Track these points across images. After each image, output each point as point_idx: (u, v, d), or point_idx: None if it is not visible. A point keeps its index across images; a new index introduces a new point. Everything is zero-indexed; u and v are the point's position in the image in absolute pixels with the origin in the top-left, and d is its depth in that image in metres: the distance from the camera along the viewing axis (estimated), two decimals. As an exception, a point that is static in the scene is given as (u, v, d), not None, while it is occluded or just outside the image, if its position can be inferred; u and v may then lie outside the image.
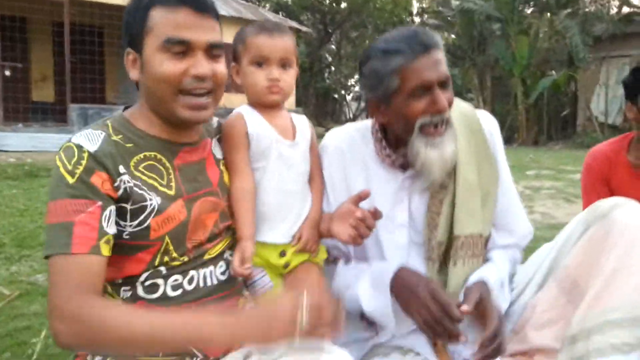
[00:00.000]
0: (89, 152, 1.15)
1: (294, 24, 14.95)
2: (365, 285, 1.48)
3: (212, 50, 1.23)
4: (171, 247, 1.23)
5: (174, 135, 1.29)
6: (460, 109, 1.58)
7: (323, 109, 23.38)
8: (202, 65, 1.22)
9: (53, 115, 11.54)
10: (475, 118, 1.60)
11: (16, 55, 10.86)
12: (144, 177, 1.21)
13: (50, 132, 10.21)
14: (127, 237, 1.19)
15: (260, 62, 1.43)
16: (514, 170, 1.73)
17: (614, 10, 16.85)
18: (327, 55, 25.40)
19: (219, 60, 1.26)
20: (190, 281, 1.28)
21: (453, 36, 20.10)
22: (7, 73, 10.47)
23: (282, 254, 1.45)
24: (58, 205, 1.12)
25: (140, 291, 1.23)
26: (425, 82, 1.38)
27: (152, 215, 1.20)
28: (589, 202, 2.08)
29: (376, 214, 1.37)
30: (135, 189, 1.19)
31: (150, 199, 1.20)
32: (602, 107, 15.50)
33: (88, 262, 1.10)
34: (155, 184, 1.23)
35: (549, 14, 16.85)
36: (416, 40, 1.40)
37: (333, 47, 25.68)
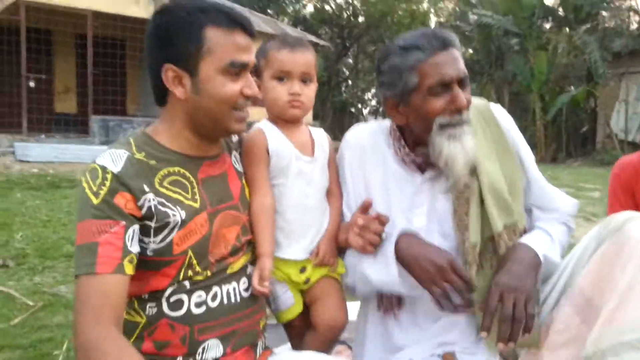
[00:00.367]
0: (112, 173, 1.18)
1: (312, 38, 15.04)
2: (370, 260, 1.46)
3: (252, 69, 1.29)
4: (194, 261, 1.25)
5: (196, 150, 1.31)
6: (475, 106, 1.56)
7: (340, 123, 23.36)
8: (253, 85, 1.28)
9: (75, 126, 11.71)
10: (490, 111, 1.59)
11: (41, 67, 11.07)
12: (168, 193, 1.24)
13: (72, 143, 10.37)
14: (151, 253, 1.21)
15: (282, 76, 1.45)
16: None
17: (634, 26, 16.69)
18: (344, 69, 25.48)
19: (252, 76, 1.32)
20: (213, 298, 1.29)
21: (471, 51, 20.05)
22: (32, 84, 10.65)
23: (302, 270, 1.47)
24: (84, 226, 1.16)
25: (165, 308, 1.25)
26: (445, 79, 1.38)
27: (176, 230, 1.22)
28: (612, 211, 2.06)
29: (381, 220, 1.38)
30: (159, 206, 1.21)
31: (174, 214, 1.22)
32: (622, 124, 15.29)
33: (112, 282, 1.13)
34: (181, 197, 1.25)
35: (567, 29, 16.71)
36: (435, 37, 1.40)
37: (350, 61, 25.77)
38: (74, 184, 7.12)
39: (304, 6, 24.62)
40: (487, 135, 1.54)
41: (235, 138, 1.48)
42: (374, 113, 26.68)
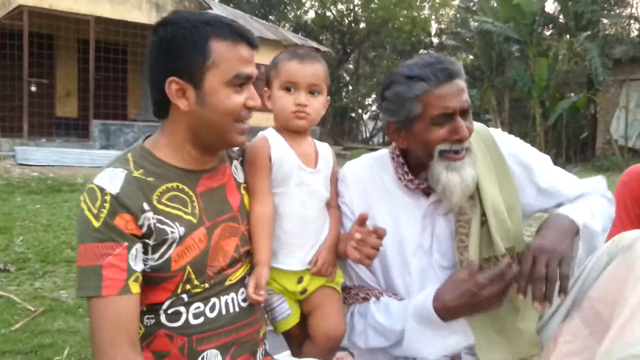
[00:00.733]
0: (111, 194, 1.17)
1: (313, 44, 15.10)
2: (413, 326, 1.49)
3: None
4: (193, 276, 1.26)
5: (196, 163, 1.31)
6: (476, 130, 1.59)
7: (340, 128, 23.43)
8: (256, 97, 1.29)
9: (76, 130, 11.74)
10: (489, 135, 1.62)
11: (43, 72, 11.10)
12: (167, 209, 1.23)
13: (73, 147, 10.40)
14: (149, 269, 1.22)
15: (289, 87, 1.45)
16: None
17: (634, 33, 16.75)
18: (344, 75, 25.54)
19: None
20: (212, 309, 1.29)
21: (471, 57, 20.10)
22: (33, 89, 10.68)
23: (300, 280, 1.47)
24: (86, 248, 1.16)
25: (163, 319, 1.25)
26: (448, 110, 1.41)
27: (174, 246, 1.23)
28: (618, 221, 2.06)
29: (378, 232, 1.39)
30: (158, 224, 1.21)
31: (173, 231, 1.22)
32: (622, 130, 15.31)
33: (120, 304, 1.15)
34: (180, 213, 1.25)
35: (568, 36, 16.76)
36: (440, 68, 1.42)
37: (351, 66, 25.84)
38: (75, 187, 7.13)
39: (306, 12, 24.75)
40: (487, 159, 1.57)
41: (236, 147, 1.48)
42: (374, 118, 26.73)
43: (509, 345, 1.50)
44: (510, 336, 1.50)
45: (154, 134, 1.34)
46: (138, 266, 1.19)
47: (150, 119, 11.92)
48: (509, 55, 17.41)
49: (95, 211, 1.16)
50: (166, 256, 1.22)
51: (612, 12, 16.69)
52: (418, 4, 23.59)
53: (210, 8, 12.55)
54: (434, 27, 25.62)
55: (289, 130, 1.48)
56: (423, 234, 1.56)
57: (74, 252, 3.95)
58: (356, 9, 23.52)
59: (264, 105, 1.45)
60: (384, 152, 1.66)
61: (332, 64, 22.24)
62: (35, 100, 10.74)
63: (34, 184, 7.14)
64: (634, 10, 16.88)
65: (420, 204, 1.57)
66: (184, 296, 1.26)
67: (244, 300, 1.36)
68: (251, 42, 1.27)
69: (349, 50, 24.04)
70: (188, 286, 1.26)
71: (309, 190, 1.48)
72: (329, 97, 1.53)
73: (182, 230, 1.23)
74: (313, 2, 24.43)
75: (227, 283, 1.32)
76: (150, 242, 1.20)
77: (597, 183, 1.65)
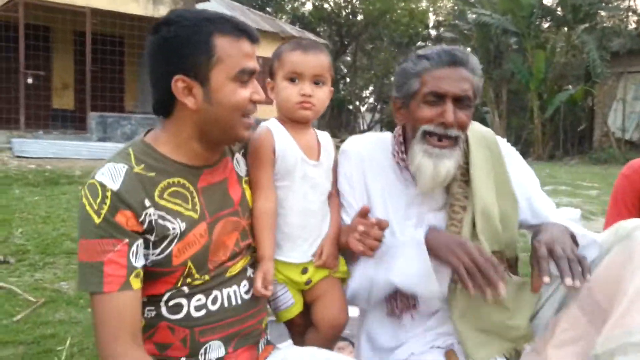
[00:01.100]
0: (112, 190, 1.17)
1: (311, 36, 15.04)
2: (399, 259, 1.48)
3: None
4: (194, 270, 1.26)
5: (199, 159, 1.31)
6: (481, 132, 1.63)
7: (338, 120, 23.41)
8: (260, 91, 1.29)
9: (73, 122, 11.70)
10: (495, 141, 1.63)
11: (39, 64, 11.04)
12: (169, 205, 1.23)
13: (70, 139, 10.37)
14: (150, 264, 1.22)
15: (294, 77, 1.45)
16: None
17: (632, 26, 16.74)
18: (342, 67, 25.48)
19: None
20: (214, 301, 1.30)
21: (469, 50, 20.05)
22: (30, 81, 10.63)
23: (304, 271, 1.47)
24: (87, 244, 1.17)
25: (164, 311, 1.26)
26: (440, 90, 1.43)
27: (175, 242, 1.23)
28: (614, 211, 2.07)
29: (381, 225, 1.39)
30: (160, 220, 1.21)
31: (174, 227, 1.23)
32: (619, 122, 15.35)
33: (121, 300, 1.17)
34: (181, 209, 1.25)
35: (566, 29, 16.77)
36: (447, 52, 1.46)
37: (348, 58, 25.78)
38: (73, 180, 7.11)
39: (303, 4, 24.63)
40: (488, 164, 1.58)
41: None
42: (372, 110, 26.71)
43: (497, 340, 1.51)
44: (499, 333, 1.51)
45: (154, 129, 1.34)
46: (139, 262, 1.19)
47: (147, 111, 11.89)
48: (507, 47, 17.41)
49: (96, 207, 1.16)
50: (167, 251, 1.22)
51: (610, 5, 16.68)
52: (416, -4, 23.55)
53: (208, 0, 12.49)
54: (431, 19, 25.58)
55: (293, 121, 1.48)
56: (406, 223, 1.56)
57: (74, 244, 3.98)
58: (354, 1, 23.44)
59: (267, 98, 1.45)
60: (388, 134, 1.68)
61: (330, 56, 22.18)
62: (32, 93, 10.69)
63: (32, 176, 7.12)
64: (631, 3, 16.89)
65: (408, 191, 1.57)
66: (185, 288, 1.27)
67: (247, 292, 1.36)
68: (252, 36, 1.27)
69: (346, 43, 23.98)
70: (189, 279, 1.26)
71: (312, 184, 1.48)
72: (332, 88, 1.53)
73: (183, 225, 1.24)
74: (310, -6, 24.34)
75: (228, 275, 1.33)
76: (152, 237, 1.21)
77: (574, 214, 1.68)
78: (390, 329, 1.60)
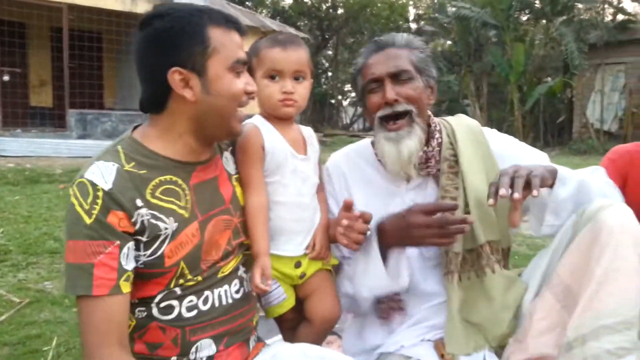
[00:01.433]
0: (103, 190, 1.14)
1: (291, 30, 14.97)
2: (362, 266, 1.51)
3: None
4: (186, 271, 1.25)
5: (191, 155, 1.29)
6: (467, 124, 1.65)
7: (320, 115, 23.37)
8: (252, 82, 1.30)
9: (51, 120, 11.51)
10: (481, 132, 1.65)
11: (15, 61, 10.84)
12: (161, 203, 1.22)
13: (49, 137, 10.21)
14: (142, 265, 1.20)
15: (274, 75, 1.44)
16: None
17: (608, 18, 16.98)
18: (323, 61, 25.43)
19: None
20: (205, 301, 1.29)
21: (449, 43, 20.17)
22: (6, 78, 10.44)
23: (298, 264, 1.48)
24: (77, 245, 1.14)
25: (155, 312, 1.24)
26: (373, 76, 1.51)
27: (167, 242, 1.21)
28: None
29: (364, 217, 1.40)
30: (152, 220, 1.19)
31: (166, 227, 1.21)
32: (598, 114, 15.58)
33: (110, 305, 1.14)
34: (173, 207, 1.23)
35: (544, 21, 16.94)
36: (373, 42, 1.57)
37: (330, 53, 25.74)
38: (53, 178, 7.01)
39: (283, -2, 24.47)
40: (477, 153, 1.59)
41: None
42: (354, 104, 26.71)
43: (480, 335, 1.52)
44: (486, 328, 1.52)
45: (142, 125, 1.31)
46: (129, 265, 1.17)
47: (127, 107, 11.74)
48: (487, 40, 17.53)
49: (87, 207, 1.14)
50: (159, 252, 1.20)
51: (587, -3, 16.89)
52: (396, -11, 23.56)
53: (187, -6, 12.35)
54: (411, 12, 25.64)
55: (277, 118, 1.48)
56: None
57: (57, 243, 3.93)
58: (334, -6, 23.37)
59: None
60: (366, 141, 1.71)
61: (311, 50, 21.97)
62: (9, 90, 10.50)
63: (11, 175, 7.00)
64: (608, -5, 17.09)
65: (400, 189, 1.60)
66: (177, 290, 1.25)
67: (237, 291, 1.36)
68: (241, 29, 1.28)
69: (327, 37, 23.91)
70: (181, 280, 1.25)
71: (302, 177, 1.48)
72: (312, 80, 1.53)
73: (175, 225, 1.22)
74: (290, -12, 24.20)
75: (220, 275, 1.32)
76: (143, 238, 1.19)
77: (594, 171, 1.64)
78: (379, 328, 1.62)
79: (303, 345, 1.36)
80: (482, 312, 1.52)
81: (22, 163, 8.04)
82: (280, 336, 1.63)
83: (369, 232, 1.43)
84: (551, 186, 1.42)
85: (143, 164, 1.22)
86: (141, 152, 1.24)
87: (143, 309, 1.24)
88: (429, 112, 1.61)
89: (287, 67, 1.44)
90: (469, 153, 1.57)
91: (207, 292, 1.29)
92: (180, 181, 1.26)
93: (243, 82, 1.27)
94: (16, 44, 10.88)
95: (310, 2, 23.43)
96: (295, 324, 1.55)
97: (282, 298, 1.49)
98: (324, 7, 23.27)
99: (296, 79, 1.46)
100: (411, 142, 1.49)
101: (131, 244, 1.17)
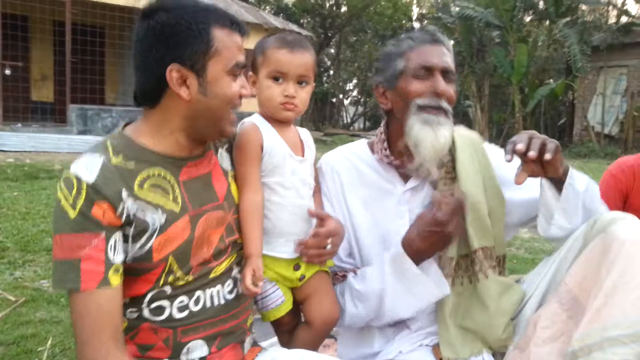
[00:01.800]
0: (87, 183, 1.13)
1: (294, 28, 14.96)
2: (399, 288, 1.48)
3: None
4: (175, 266, 1.23)
5: (181, 150, 1.28)
6: (467, 134, 1.66)
7: (321, 113, 23.38)
8: (247, 85, 1.29)
9: (52, 115, 11.51)
10: (480, 142, 1.66)
11: (17, 55, 10.80)
12: (148, 197, 1.20)
13: (50, 132, 10.19)
14: (130, 260, 1.19)
15: (278, 77, 1.43)
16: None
17: (612, 20, 16.94)
18: (326, 59, 25.41)
19: None
20: (196, 302, 1.28)
21: (452, 42, 20.14)
22: (8, 72, 10.41)
23: (297, 267, 1.47)
24: (63, 240, 1.13)
25: (146, 313, 1.23)
26: (427, 64, 1.49)
27: (155, 235, 1.20)
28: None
29: (331, 233, 1.43)
30: (139, 212, 1.18)
31: (154, 220, 1.19)
32: (599, 117, 15.57)
33: (100, 298, 1.13)
34: (161, 202, 1.22)
35: (548, 23, 16.90)
36: (429, 32, 1.54)
37: (332, 51, 25.71)
38: (53, 174, 7.00)
39: (286, -5, 24.43)
40: (474, 162, 1.60)
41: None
42: (355, 104, 26.71)
43: (476, 341, 1.52)
44: (481, 333, 1.52)
45: (134, 121, 1.30)
46: (117, 257, 1.16)
47: (129, 103, 11.74)
48: (490, 41, 17.50)
49: (71, 201, 1.13)
50: (147, 246, 1.19)
51: (591, -1, 16.86)
52: (399, -12, 23.53)
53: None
54: (415, 11, 25.61)
55: (275, 120, 1.47)
56: (397, 221, 1.57)
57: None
58: (337, -8, 23.34)
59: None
60: (362, 141, 1.71)
61: (314, 48, 22.09)
62: (10, 85, 10.47)
63: (10, 170, 6.98)
64: (612, -2, 17.05)
65: (396, 189, 1.59)
66: (167, 289, 1.24)
67: (230, 292, 1.34)
68: (243, 30, 1.27)
69: (330, 35, 23.88)
70: (170, 277, 1.23)
71: (301, 179, 1.47)
72: (313, 84, 1.51)
73: (163, 218, 1.21)
74: (294, -15, 24.16)
75: (212, 276, 1.30)
76: (130, 231, 1.17)
77: None
78: (377, 334, 1.61)
79: (300, 352, 1.36)
80: (476, 318, 1.52)
81: (22, 158, 8.03)
82: (276, 339, 1.63)
83: (329, 247, 1.44)
84: (561, 178, 1.44)
85: (131, 158, 1.21)
86: (130, 146, 1.23)
87: (134, 309, 1.23)
88: None
89: (293, 70, 1.42)
90: (466, 160, 1.58)
91: (198, 293, 1.28)
92: (169, 176, 1.25)
93: (239, 85, 1.26)
94: (19, 38, 10.86)
95: (313, 0, 23.40)
96: (291, 327, 1.54)
97: (280, 301, 1.47)
98: (328, 4, 23.26)
99: (299, 83, 1.44)
100: (447, 132, 1.48)
101: (118, 236, 1.16)
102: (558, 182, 1.46)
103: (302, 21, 22.47)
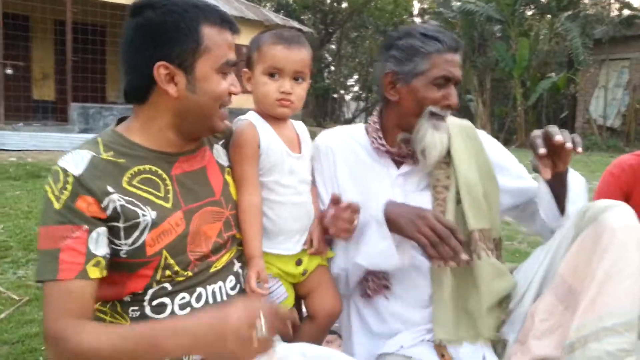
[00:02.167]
0: (73, 176, 1.15)
1: (295, 24, 14.92)
2: (363, 240, 1.50)
3: None
4: (171, 261, 1.23)
5: (172, 146, 1.28)
6: (460, 122, 1.68)
7: (322, 109, 23.34)
8: (237, 83, 1.28)
9: (54, 114, 11.51)
10: (473, 130, 1.69)
11: (18, 54, 10.80)
12: (139, 192, 1.21)
13: (51, 131, 10.19)
14: (125, 255, 1.19)
15: (274, 73, 1.42)
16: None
17: (614, 13, 16.85)
18: (327, 55, 25.35)
19: None
20: (198, 299, 1.27)
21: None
22: (9, 71, 10.40)
23: (299, 262, 1.48)
24: (46, 231, 1.14)
25: (148, 311, 1.23)
26: (450, 75, 1.51)
27: (147, 230, 1.20)
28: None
29: (352, 208, 1.41)
30: (128, 206, 1.18)
31: (145, 215, 1.19)
32: (601, 110, 15.52)
33: (75, 288, 1.12)
34: (151, 197, 1.22)
35: (549, 16, 16.83)
36: (451, 37, 1.54)
37: (333, 47, 25.63)
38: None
39: (287, -9, 24.35)
40: (468, 147, 1.63)
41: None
42: (357, 99, 26.64)
43: (471, 323, 1.53)
44: (473, 315, 1.53)
45: (126, 119, 1.31)
46: (100, 250, 1.15)
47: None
48: (491, 35, 17.44)
49: (57, 193, 1.14)
50: (140, 241, 1.19)
51: (593, -8, 16.78)
52: (400, -17, 23.41)
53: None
54: (416, 6, 25.49)
55: (271, 117, 1.47)
56: None
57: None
58: (338, -12, 23.26)
59: (243, 88, 1.44)
60: (360, 125, 1.72)
61: (314, 44, 22.04)
62: (11, 84, 10.46)
63: (13, 169, 6.98)
64: (613, -10, 16.95)
65: (389, 174, 1.61)
66: (167, 285, 1.24)
67: (233, 288, 1.34)
68: (234, 28, 1.26)
69: (331, 31, 23.81)
70: (168, 272, 1.23)
71: (299, 177, 1.48)
72: (310, 81, 1.51)
73: (154, 214, 1.21)
74: (294, -19, 24.08)
75: (212, 270, 1.30)
76: (121, 225, 1.17)
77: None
78: (375, 318, 1.62)
79: (301, 345, 1.36)
80: (469, 299, 1.54)
81: (24, 157, 8.03)
82: (277, 335, 1.63)
83: (356, 222, 1.43)
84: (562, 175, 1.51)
85: (122, 153, 1.22)
86: (121, 143, 1.24)
87: (136, 308, 1.23)
88: None
89: (289, 66, 1.41)
90: (460, 145, 1.61)
91: (199, 289, 1.28)
92: (160, 171, 1.25)
93: (228, 82, 1.26)
94: (20, 37, 10.86)
95: (314, -4, 23.32)
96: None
97: (284, 297, 1.48)
98: (328, 1, 23.16)
99: (295, 79, 1.44)
100: (446, 135, 1.55)
101: (102, 230, 1.16)
102: (557, 181, 1.50)
103: (302, 17, 22.40)
